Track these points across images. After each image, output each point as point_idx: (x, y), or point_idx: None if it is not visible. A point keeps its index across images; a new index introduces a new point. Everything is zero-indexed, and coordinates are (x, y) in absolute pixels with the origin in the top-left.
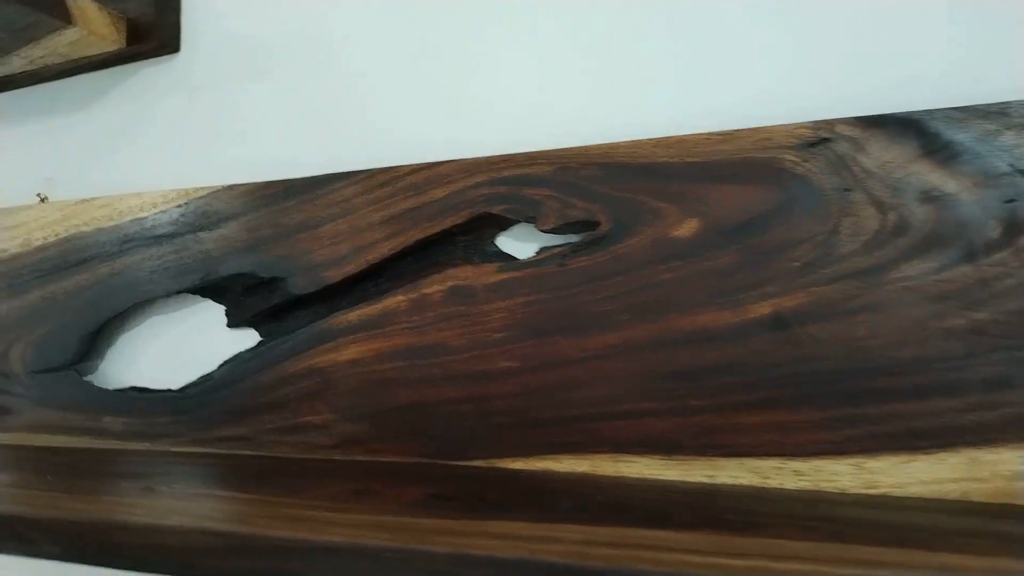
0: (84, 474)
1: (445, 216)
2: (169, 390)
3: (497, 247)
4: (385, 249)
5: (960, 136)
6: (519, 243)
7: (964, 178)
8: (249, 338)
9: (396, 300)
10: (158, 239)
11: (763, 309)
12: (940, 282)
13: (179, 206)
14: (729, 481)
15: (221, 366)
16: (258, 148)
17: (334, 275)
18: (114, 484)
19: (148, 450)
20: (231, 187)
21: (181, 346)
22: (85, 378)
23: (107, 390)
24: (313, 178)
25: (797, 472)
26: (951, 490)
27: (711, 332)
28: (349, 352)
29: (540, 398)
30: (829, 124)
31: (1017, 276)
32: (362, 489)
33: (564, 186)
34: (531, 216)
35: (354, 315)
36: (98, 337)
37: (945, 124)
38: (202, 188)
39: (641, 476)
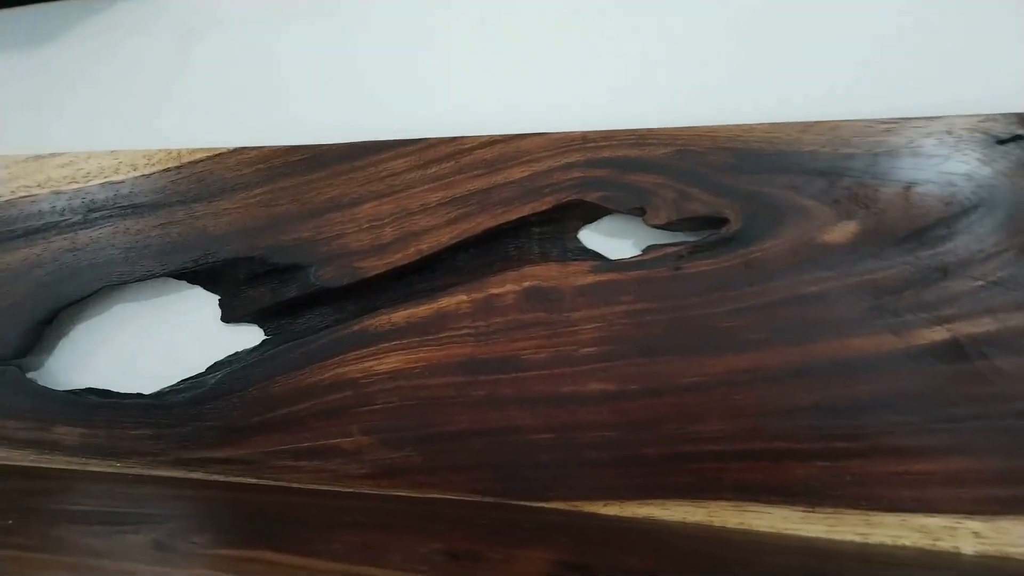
0: (47, 515)
1: (524, 201)
2: (140, 395)
3: (580, 242)
4: (444, 237)
5: None
6: (607, 239)
7: None
8: (246, 336)
9: (456, 301)
10: (137, 209)
11: (936, 335)
12: None
13: (167, 170)
14: (888, 541)
15: (213, 369)
16: (275, 106)
17: (373, 266)
18: (105, 534)
19: (114, 472)
20: (238, 150)
21: (156, 342)
22: (28, 375)
23: (58, 391)
24: (350, 145)
25: (977, 534)
26: None
27: (868, 360)
28: (391, 361)
29: (643, 430)
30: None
31: None
32: (453, 550)
33: (682, 173)
34: (637, 207)
35: (399, 316)
36: (49, 327)
37: None
38: (199, 150)
39: (774, 530)
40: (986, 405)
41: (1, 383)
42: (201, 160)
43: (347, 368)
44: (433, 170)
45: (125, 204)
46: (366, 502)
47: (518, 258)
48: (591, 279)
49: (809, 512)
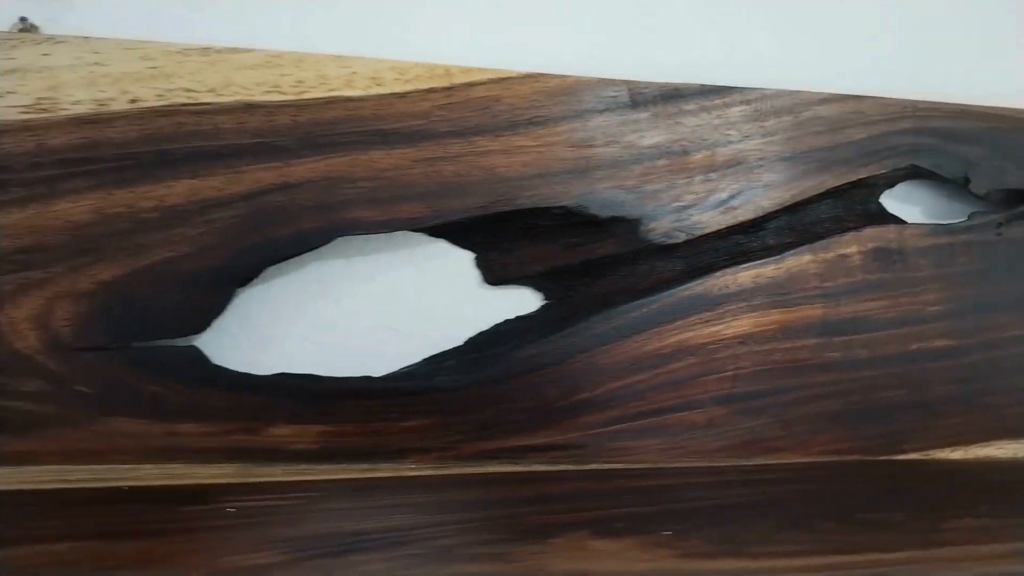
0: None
1: (865, 163)
2: (403, 376)
3: (882, 206)
4: (787, 195)
5: None
6: (900, 204)
7: None
8: (495, 300)
9: (803, 261)
10: (387, 137)
11: None
12: None
13: (432, 90)
14: None
15: (490, 341)
16: (575, 29)
17: (711, 222)
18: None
19: (380, 478)
20: (534, 75)
21: (364, 311)
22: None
23: (267, 377)
24: (676, 86)
25: None
26: None
27: None
28: (740, 324)
29: (984, 380)
30: None
31: None
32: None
33: (998, 149)
34: (963, 176)
35: (745, 276)
36: (243, 289)
37: None
38: (476, 69)
39: None
40: None
41: (167, 370)
42: (481, 83)
43: (691, 333)
44: (771, 123)
45: (368, 129)
46: (723, 475)
47: (856, 219)
48: (929, 241)
49: None
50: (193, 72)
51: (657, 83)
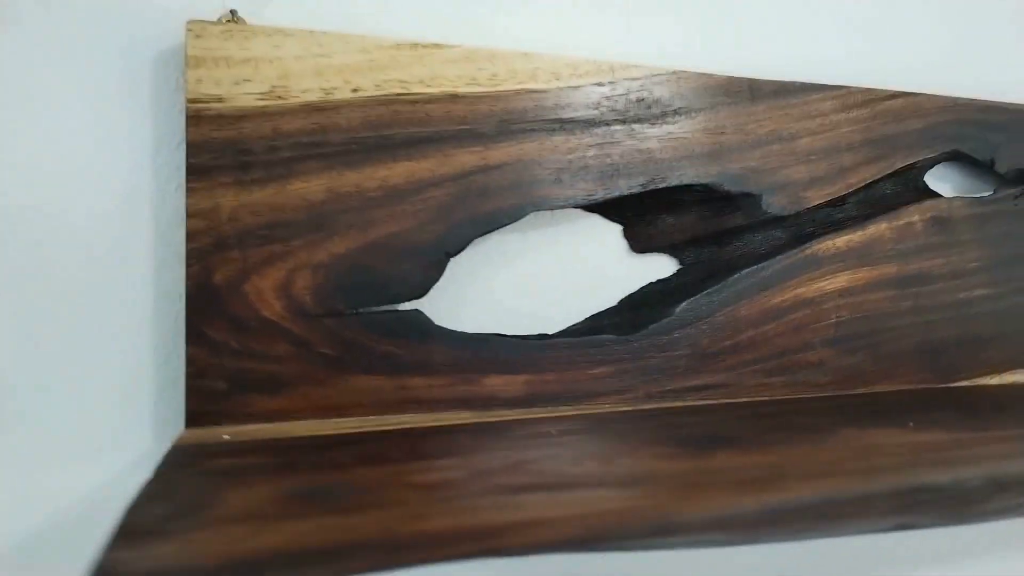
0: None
1: (922, 147)
2: (596, 332)
3: (926, 183)
4: (867, 173)
5: None
6: (937, 182)
7: None
8: (627, 267)
9: (881, 228)
10: (566, 124)
11: None
12: None
13: (600, 84)
14: None
15: (643, 300)
16: (700, 30)
17: (813, 196)
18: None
19: (580, 414)
20: (677, 73)
21: (530, 277)
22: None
23: (485, 336)
24: (782, 83)
25: None
26: None
27: None
28: (839, 281)
29: (1011, 322)
30: None
31: None
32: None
33: (1015, 137)
34: (990, 159)
35: (841, 241)
36: (454, 259)
37: None
38: (632, 66)
39: None
40: None
41: (397, 332)
42: (638, 78)
43: (803, 289)
44: (854, 114)
45: (550, 118)
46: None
47: (910, 194)
48: (969, 211)
49: None
50: (405, 65)
51: (772, 80)
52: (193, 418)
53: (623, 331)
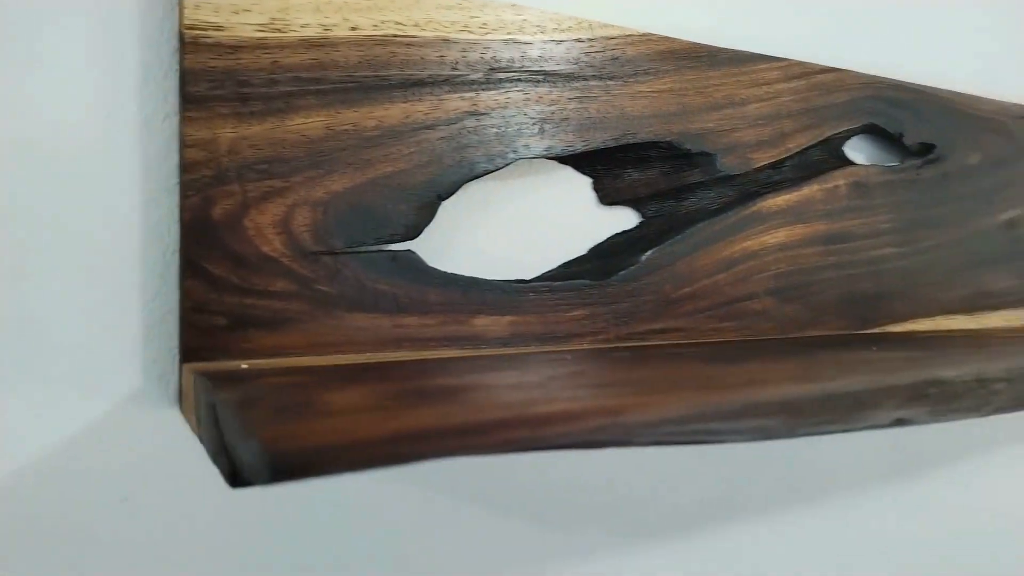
0: None
1: (847, 119)
2: (577, 278)
3: (843, 153)
4: (803, 140)
5: None
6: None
7: None
8: (594, 218)
9: (813, 189)
10: (550, 76)
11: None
12: None
13: (580, 40)
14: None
15: (611, 249)
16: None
17: (759, 158)
18: None
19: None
20: (647, 36)
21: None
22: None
23: (470, 278)
24: (736, 52)
25: None
26: None
27: None
28: (779, 236)
29: (913, 276)
30: None
31: None
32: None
33: (920, 114)
34: (900, 133)
35: (781, 200)
36: (446, 203)
37: None
38: (609, 25)
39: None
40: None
41: (393, 271)
42: (615, 37)
43: (750, 242)
44: (793, 84)
45: (535, 69)
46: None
47: (833, 161)
48: (884, 177)
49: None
50: (402, 8)
51: (727, 49)
52: (190, 353)
53: (596, 277)
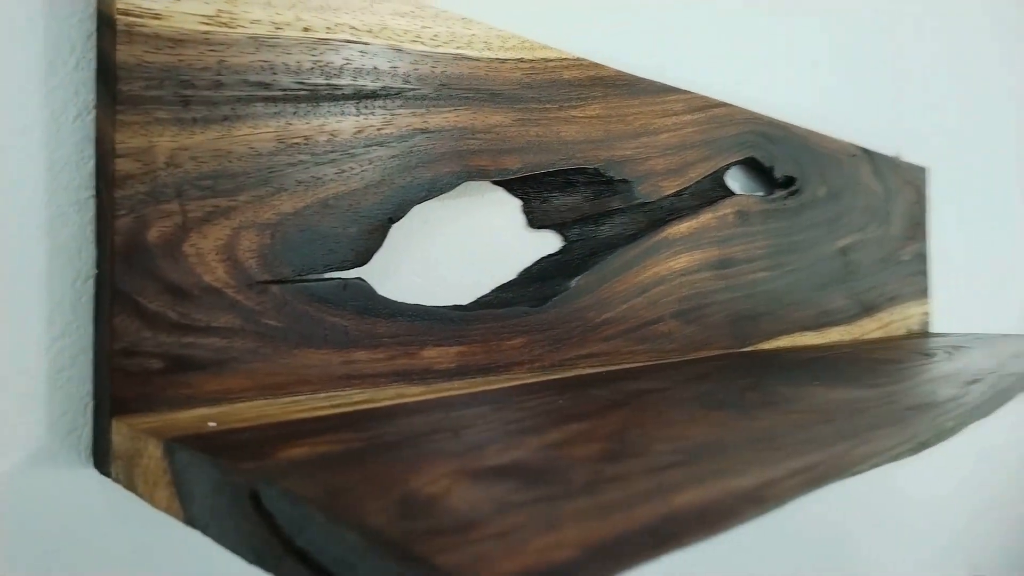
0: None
1: (736, 151)
2: (515, 303)
3: (725, 182)
4: (702, 169)
5: None
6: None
7: None
8: (522, 241)
9: (707, 217)
10: (495, 96)
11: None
12: None
13: (522, 60)
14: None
15: (540, 274)
16: (589, 23)
17: (668, 185)
18: None
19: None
20: (580, 61)
21: (450, 247)
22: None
23: (424, 307)
24: (651, 82)
25: None
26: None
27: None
28: (681, 261)
29: (781, 297)
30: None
31: None
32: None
33: (787, 149)
34: (771, 165)
35: (685, 227)
36: (395, 226)
37: None
38: (548, 48)
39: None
40: (850, 279)
41: (343, 301)
42: (552, 60)
43: (659, 268)
44: (696, 116)
45: (481, 87)
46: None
47: (719, 190)
48: (761, 207)
49: (816, 333)
50: (355, 10)
51: (644, 79)
52: (119, 404)
53: (533, 304)
